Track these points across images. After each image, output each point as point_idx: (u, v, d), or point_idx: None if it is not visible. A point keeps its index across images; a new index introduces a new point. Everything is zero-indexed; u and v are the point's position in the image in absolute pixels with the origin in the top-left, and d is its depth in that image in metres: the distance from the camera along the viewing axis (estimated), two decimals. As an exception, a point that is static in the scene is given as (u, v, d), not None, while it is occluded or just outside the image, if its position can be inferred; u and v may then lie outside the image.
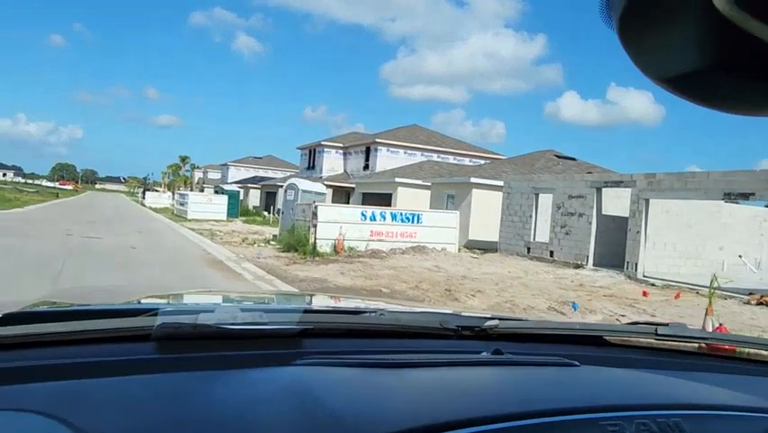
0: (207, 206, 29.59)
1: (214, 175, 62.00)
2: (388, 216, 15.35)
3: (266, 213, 34.53)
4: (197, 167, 67.04)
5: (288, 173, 43.83)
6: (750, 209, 16.82)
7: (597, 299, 10.05)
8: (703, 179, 11.93)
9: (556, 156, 24.87)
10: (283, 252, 14.24)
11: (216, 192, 37.10)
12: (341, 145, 35.65)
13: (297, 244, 14.03)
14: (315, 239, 13.72)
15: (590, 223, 14.69)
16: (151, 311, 1.04)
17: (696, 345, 1.28)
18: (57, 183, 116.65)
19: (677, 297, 9.66)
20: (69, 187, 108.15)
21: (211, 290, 4.22)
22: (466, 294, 9.52)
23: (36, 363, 0.82)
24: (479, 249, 18.16)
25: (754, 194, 11.28)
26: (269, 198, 38.48)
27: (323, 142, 36.05)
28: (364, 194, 27.90)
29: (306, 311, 1.36)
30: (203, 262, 11.61)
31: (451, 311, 1.67)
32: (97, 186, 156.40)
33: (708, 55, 0.36)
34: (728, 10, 0.31)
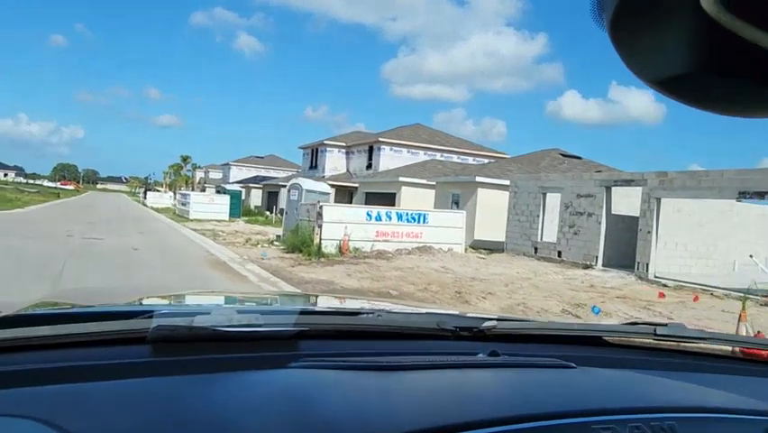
0: (209, 206, 29.36)
1: (216, 175, 61.82)
2: (394, 216, 15.10)
3: (268, 213, 34.33)
4: (199, 167, 66.92)
5: (290, 173, 43.61)
6: (760, 208, 16.57)
7: (610, 301, 9.81)
8: (717, 178, 11.67)
9: (561, 155, 24.63)
10: (287, 252, 14.01)
11: (218, 192, 36.88)
12: (343, 144, 35.41)
13: (302, 244, 13.80)
14: (320, 240, 13.47)
15: (600, 222, 14.43)
16: (147, 313, 1.02)
17: (695, 345, 1.25)
18: (58, 183, 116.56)
19: (695, 299, 9.41)
20: (71, 187, 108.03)
21: (213, 291, 4.20)
22: (477, 296, 9.29)
23: (28, 366, 0.80)
24: (484, 249, 17.92)
25: (769, 192, 11.03)
26: (271, 197, 38.27)
27: (325, 142, 35.81)
28: (367, 193, 27.66)
29: (302, 312, 1.33)
30: (206, 264, 11.38)
31: (448, 312, 1.66)
32: (99, 186, 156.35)
33: (699, 57, 0.36)
34: (716, 12, 0.32)
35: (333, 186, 29.02)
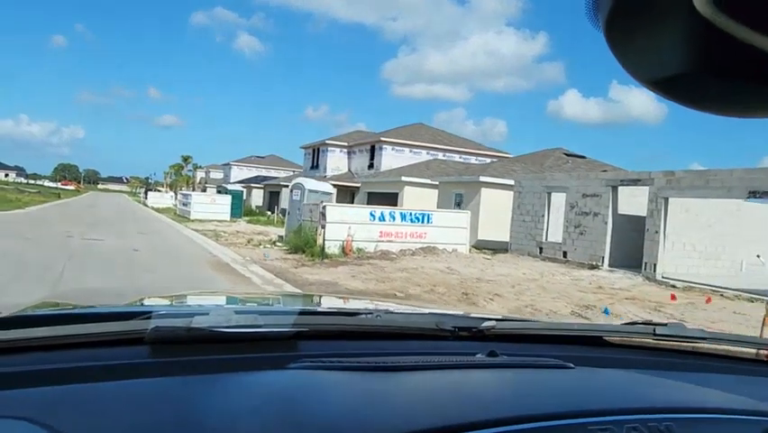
0: (211, 206, 29.18)
1: (217, 175, 61.68)
2: (398, 216, 14.93)
3: (269, 213, 34.17)
4: (200, 167, 66.78)
5: (291, 173, 43.47)
6: (767, 208, 16.39)
7: (619, 303, 9.65)
8: (726, 177, 11.49)
9: (565, 154, 24.46)
10: (290, 253, 13.85)
11: (219, 192, 36.73)
12: (345, 144, 35.24)
13: (305, 245, 13.64)
14: (324, 240, 13.31)
15: (606, 222, 14.27)
16: (146, 314, 1.01)
17: (695, 345, 1.25)
18: (59, 183, 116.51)
19: (708, 301, 9.24)
20: (71, 187, 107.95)
21: (213, 292, 4.15)
22: (484, 298, 9.13)
23: (25, 368, 0.80)
24: (488, 249, 17.76)
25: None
26: (273, 197, 38.11)
27: (327, 141, 35.65)
28: (369, 193, 27.50)
29: (301, 313, 1.32)
30: (208, 266, 11.22)
31: (448, 311, 1.66)
32: (99, 186, 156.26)
33: (694, 58, 0.36)
34: (711, 14, 0.32)
35: (334, 186, 28.78)
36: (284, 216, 23.02)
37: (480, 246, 18.19)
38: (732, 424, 0.81)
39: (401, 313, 1.54)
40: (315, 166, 36.38)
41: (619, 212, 14.50)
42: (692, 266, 13.79)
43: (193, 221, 26.03)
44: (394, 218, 14.84)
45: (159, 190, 60.40)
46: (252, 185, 44.11)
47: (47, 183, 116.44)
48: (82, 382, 0.77)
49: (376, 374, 0.88)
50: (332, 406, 0.77)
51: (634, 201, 14.58)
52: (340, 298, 4.05)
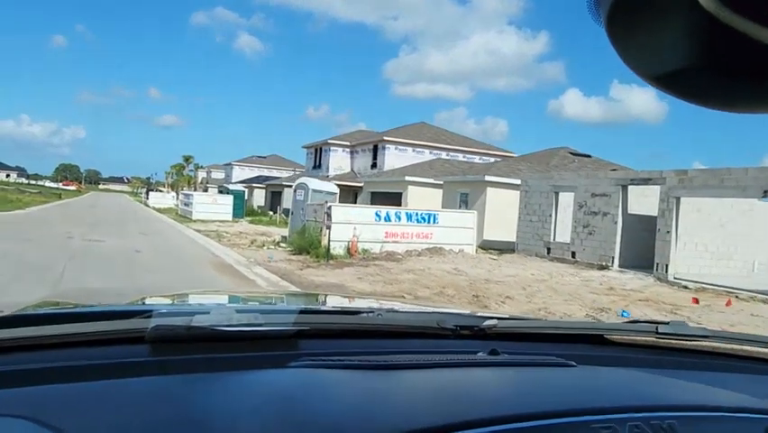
0: (212, 206, 28.95)
1: (218, 175, 61.50)
2: (404, 217, 14.69)
3: (271, 213, 33.94)
4: (201, 167, 66.54)
5: (293, 173, 43.27)
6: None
7: (633, 305, 9.40)
8: (741, 176, 11.24)
9: (571, 153, 24.23)
10: (294, 254, 13.62)
11: (221, 192, 36.51)
12: (348, 144, 34.99)
13: (309, 246, 13.41)
14: (329, 241, 13.07)
15: (616, 222, 14.01)
16: (146, 313, 1.01)
17: (697, 343, 1.24)
18: (60, 184, 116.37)
19: (728, 304, 8.98)
20: (72, 187, 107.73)
21: (215, 291, 4.10)
22: (495, 300, 8.90)
23: (26, 366, 0.80)
24: (494, 249, 17.52)
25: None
26: (275, 197, 37.90)
27: (329, 141, 35.42)
28: (373, 193, 27.24)
29: (302, 312, 1.32)
30: (211, 267, 10.99)
31: (449, 310, 1.65)
32: (100, 186, 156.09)
33: (697, 53, 0.36)
34: (714, 8, 0.32)
35: (337, 185, 28.61)
36: (287, 216, 22.78)
37: (486, 246, 17.94)
38: (735, 422, 0.80)
39: (402, 312, 1.53)
40: (317, 166, 36.14)
41: (629, 212, 14.25)
42: (704, 266, 13.53)
43: (195, 221, 25.80)
44: (400, 219, 14.60)
45: (160, 190, 60.24)
46: (254, 185, 43.90)
47: (48, 183, 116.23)
48: (82, 381, 0.77)
49: (377, 373, 0.87)
50: (333, 404, 0.76)
51: (644, 201, 14.33)
52: (341, 297, 3.97)
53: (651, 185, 13.38)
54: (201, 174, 64.78)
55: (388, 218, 14.43)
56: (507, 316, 1.46)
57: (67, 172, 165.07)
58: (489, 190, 19.33)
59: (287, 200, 30.08)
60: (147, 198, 52.36)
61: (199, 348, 0.89)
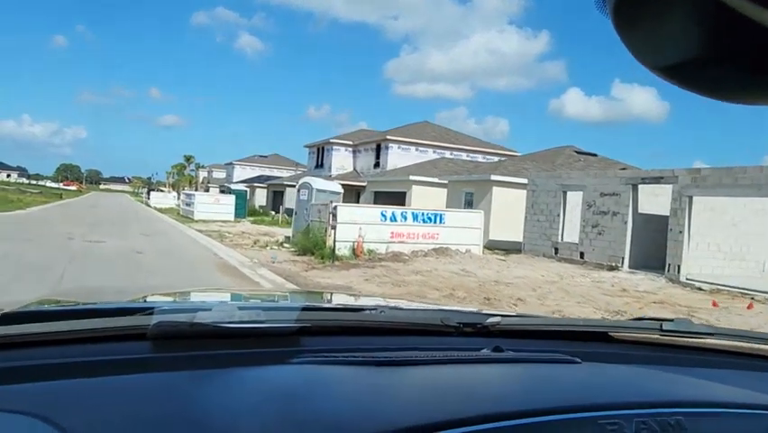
0: (214, 206, 28.71)
1: (219, 174, 61.30)
2: (410, 217, 14.42)
3: (273, 213, 33.70)
4: (202, 166, 66.40)
5: (295, 172, 43.03)
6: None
7: (648, 307, 9.17)
8: (756, 174, 10.97)
9: (576, 152, 23.99)
10: (298, 255, 13.38)
11: (222, 192, 36.30)
12: (350, 143, 34.75)
13: (314, 246, 13.16)
14: (334, 241, 12.83)
15: (626, 222, 13.75)
16: (148, 310, 1.00)
17: (702, 341, 1.23)
18: (61, 184, 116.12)
19: (750, 307, 8.71)
20: (73, 187, 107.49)
21: (218, 289, 4.12)
22: (507, 303, 8.65)
23: (28, 363, 0.80)
24: (500, 250, 17.27)
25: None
26: (277, 197, 37.66)
27: (331, 140, 35.18)
28: (376, 192, 26.99)
29: (304, 309, 1.28)
30: (215, 268, 10.76)
31: (452, 308, 1.65)
32: (101, 186, 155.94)
33: (704, 43, 0.36)
34: None
35: (340, 185, 28.40)
36: (289, 216, 22.54)
37: (492, 247, 17.69)
38: (742, 418, 0.81)
39: (405, 309, 1.51)
40: (319, 165, 35.91)
41: (639, 211, 13.99)
42: (716, 267, 13.26)
43: (197, 221, 25.58)
44: (405, 218, 14.34)
45: (161, 190, 60.09)
46: (256, 184, 43.67)
47: (49, 184, 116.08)
48: (85, 377, 0.77)
49: (380, 369, 0.87)
50: (335, 400, 0.76)
51: (654, 200, 14.07)
52: (343, 295, 3.95)
53: (663, 184, 13.12)
54: (202, 174, 64.62)
55: (393, 218, 14.17)
56: (510, 313, 1.43)
57: (68, 172, 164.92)
58: (495, 190, 19.08)
59: (289, 200, 29.86)
60: (148, 198, 52.17)
61: (201, 345, 0.89)
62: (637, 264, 13.52)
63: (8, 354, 0.81)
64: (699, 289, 11.45)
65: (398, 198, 23.49)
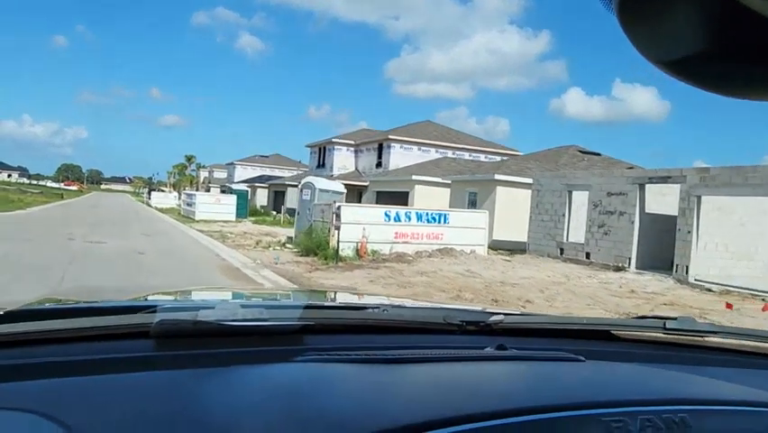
0: (216, 206, 28.58)
1: (220, 174, 61.19)
2: (414, 217, 14.26)
3: (275, 213, 33.56)
4: (203, 166, 66.27)
5: (296, 172, 42.89)
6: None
7: (658, 309, 9.02)
8: (766, 174, 10.82)
9: (580, 151, 23.84)
10: (301, 256, 13.23)
11: (224, 191, 36.17)
12: (352, 142, 34.60)
13: (317, 247, 13.01)
14: (338, 242, 12.67)
15: (633, 222, 13.58)
16: (151, 308, 1.01)
17: (705, 339, 1.24)
18: (62, 184, 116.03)
19: (765, 309, 8.56)
20: (74, 187, 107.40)
21: (221, 288, 3.99)
22: (514, 305, 8.49)
23: (31, 360, 0.80)
24: (504, 250, 17.11)
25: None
26: (278, 197, 37.52)
27: (333, 140, 35.03)
28: (378, 192, 26.85)
29: (307, 307, 1.27)
30: (217, 270, 10.61)
31: (455, 306, 1.69)
32: (102, 186, 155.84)
33: (709, 38, 0.36)
34: None
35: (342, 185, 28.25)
36: (291, 216, 22.41)
37: (495, 247, 17.53)
38: (746, 416, 0.81)
39: (408, 307, 1.51)
40: (321, 165, 35.76)
41: (646, 211, 13.83)
42: (724, 267, 13.09)
43: (198, 221, 25.44)
44: (409, 219, 14.19)
45: (162, 190, 59.99)
46: (257, 184, 43.54)
47: (50, 184, 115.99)
48: (87, 375, 0.76)
49: (383, 367, 0.86)
50: (339, 398, 0.75)
51: (661, 200, 13.90)
52: (346, 294, 3.99)
53: (670, 183, 12.96)
54: (203, 174, 64.49)
55: (397, 218, 14.02)
56: (514, 312, 1.42)
57: (69, 172, 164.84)
58: (499, 189, 18.93)
59: (290, 200, 29.73)
60: (149, 198, 52.07)
61: (204, 343, 0.88)
62: (644, 265, 13.36)
63: (11, 351, 0.82)
64: (709, 290, 11.29)
65: (401, 198, 23.34)
